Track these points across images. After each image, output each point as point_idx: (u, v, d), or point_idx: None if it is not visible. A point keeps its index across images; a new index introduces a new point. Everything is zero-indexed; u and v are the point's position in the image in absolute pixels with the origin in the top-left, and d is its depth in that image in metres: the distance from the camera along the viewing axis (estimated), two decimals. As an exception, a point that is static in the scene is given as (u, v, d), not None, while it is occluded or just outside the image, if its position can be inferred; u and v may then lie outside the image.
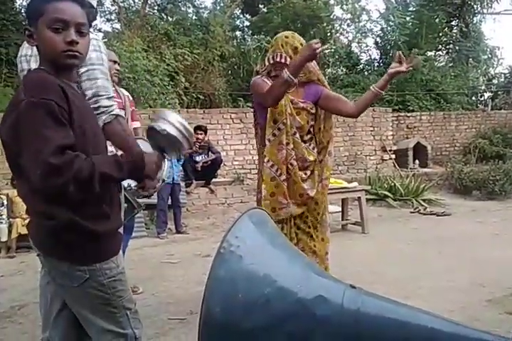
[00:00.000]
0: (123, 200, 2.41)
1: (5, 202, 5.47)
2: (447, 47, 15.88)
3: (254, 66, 11.10)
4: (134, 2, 13.74)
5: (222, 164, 7.55)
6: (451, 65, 14.71)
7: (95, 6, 2.41)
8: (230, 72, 12.22)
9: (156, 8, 14.21)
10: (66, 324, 1.74)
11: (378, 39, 14.53)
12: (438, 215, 7.06)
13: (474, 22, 15.84)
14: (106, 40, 9.85)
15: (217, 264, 1.66)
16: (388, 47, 14.01)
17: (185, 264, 4.62)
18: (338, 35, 13.94)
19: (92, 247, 1.54)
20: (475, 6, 15.48)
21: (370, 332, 1.67)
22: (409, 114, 10.94)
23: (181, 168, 6.60)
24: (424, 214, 7.25)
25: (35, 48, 1.58)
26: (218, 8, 14.38)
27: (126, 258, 3.58)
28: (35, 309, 2.78)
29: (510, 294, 3.46)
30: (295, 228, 2.87)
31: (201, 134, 7.07)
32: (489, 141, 10.72)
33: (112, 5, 13.71)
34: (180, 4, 14.21)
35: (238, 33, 14.46)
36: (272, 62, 2.77)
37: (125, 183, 2.44)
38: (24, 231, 5.01)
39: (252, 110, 3.30)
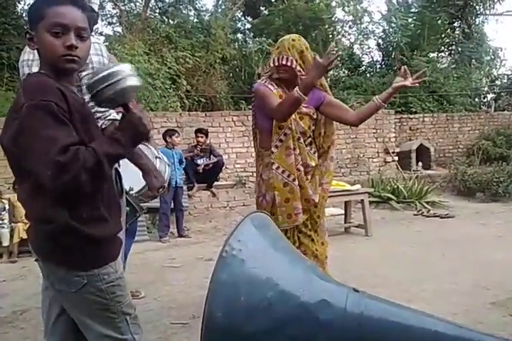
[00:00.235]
0: (124, 204, 2.41)
1: (7, 207, 5.46)
2: (450, 48, 15.85)
3: (256, 68, 11.11)
4: (136, 5, 13.79)
5: (224, 167, 7.54)
6: (453, 66, 14.67)
7: (97, 9, 2.41)
8: (231, 74, 12.22)
9: (157, 11, 14.24)
10: (65, 329, 1.73)
11: (380, 41, 14.53)
12: (441, 217, 7.03)
13: (477, 23, 15.81)
14: (107, 43, 9.86)
15: (220, 268, 1.65)
16: (390, 49, 14.00)
17: (188, 268, 4.61)
18: (339, 37, 13.97)
19: (91, 252, 1.52)
20: (477, 7, 15.46)
21: (374, 336, 1.66)
22: (412, 116, 10.92)
23: (183, 171, 6.60)
24: (428, 216, 7.22)
25: (36, 53, 1.58)
26: (219, 10, 14.39)
27: (128, 262, 3.58)
28: (37, 314, 2.77)
29: (514, 296, 3.44)
30: (297, 232, 2.86)
31: (202, 137, 7.07)
32: (492, 143, 10.68)
33: (113, 8, 13.75)
34: (181, 7, 14.24)
35: (239, 35, 14.46)
36: (277, 64, 2.76)
37: (127, 187, 2.44)
38: (26, 235, 5.00)
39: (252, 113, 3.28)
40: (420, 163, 9.86)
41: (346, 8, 13.39)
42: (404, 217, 7.19)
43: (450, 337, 1.65)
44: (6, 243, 5.29)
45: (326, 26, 12.92)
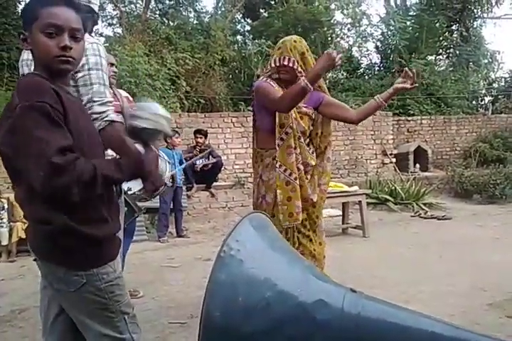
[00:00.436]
0: (123, 204, 2.42)
1: (6, 206, 5.46)
2: (448, 51, 15.90)
3: (255, 70, 11.13)
4: (136, 7, 13.81)
5: (222, 168, 7.56)
6: (451, 69, 14.72)
7: (97, 10, 2.41)
8: (230, 76, 12.23)
9: (157, 12, 14.27)
10: (63, 328, 1.73)
11: (379, 43, 14.58)
12: (439, 219, 7.05)
13: (475, 26, 15.88)
14: (107, 44, 9.87)
15: (218, 268, 1.66)
16: (389, 52, 14.04)
17: (186, 268, 4.61)
18: (338, 39, 13.99)
19: (90, 252, 1.52)
20: (475, 11, 15.51)
21: (371, 337, 1.67)
22: (409, 118, 10.95)
23: (182, 171, 6.60)
24: (425, 218, 7.24)
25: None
26: (219, 12, 14.41)
27: (126, 262, 3.59)
28: (36, 313, 2.78)
29: (510, 298, 3.45)
30: (296, 232, 2.87)
31: (201, 138, 7.08)
32: (490, 145, 10.72)
33: (113, 10, 13.75)
34: (181, 9, 14.27)
35: (239, 37, 14.48)
36: (278, 64, 2.76)
37: (125, 187, 2.45)
38: (25, 235, 5.01)
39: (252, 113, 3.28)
40: (418, 165, 9.89)
41: (345, 11, 13.41)
42: (401, 219, 7.20)
43: (447, 338, 1.65)
44: (4, 242, 5.28)
45: (325, 29, 12.95)
